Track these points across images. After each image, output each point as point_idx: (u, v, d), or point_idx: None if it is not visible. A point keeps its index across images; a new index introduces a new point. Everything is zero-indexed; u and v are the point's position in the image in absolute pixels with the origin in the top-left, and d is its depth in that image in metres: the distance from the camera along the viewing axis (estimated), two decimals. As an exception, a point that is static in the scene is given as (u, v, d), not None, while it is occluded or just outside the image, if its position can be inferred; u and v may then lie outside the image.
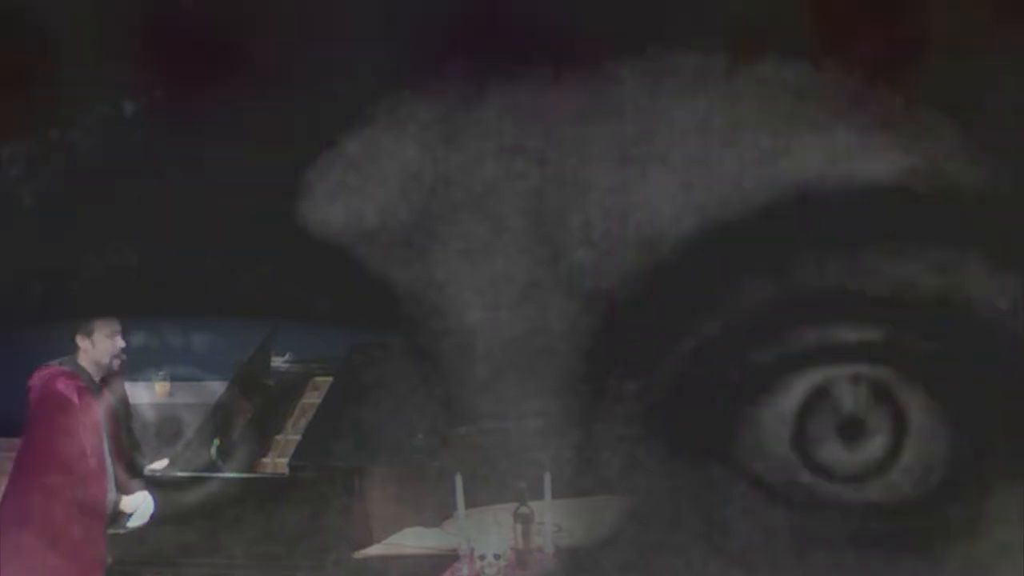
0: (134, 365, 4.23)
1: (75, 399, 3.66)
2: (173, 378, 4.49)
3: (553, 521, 3.09)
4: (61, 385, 3.69)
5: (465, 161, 1.72)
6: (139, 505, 3.78)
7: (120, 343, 3.70)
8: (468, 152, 1.71)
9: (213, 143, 1.74)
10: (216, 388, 4.22)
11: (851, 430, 1.89)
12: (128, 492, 3.81)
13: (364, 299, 1.83)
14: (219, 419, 4.02)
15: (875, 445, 1.88)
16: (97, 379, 3.68)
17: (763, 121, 1.71)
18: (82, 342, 3.66)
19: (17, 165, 1.75)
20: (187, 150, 1.75)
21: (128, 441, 3.84)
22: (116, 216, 1.80)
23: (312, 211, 1.75)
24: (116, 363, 3.72)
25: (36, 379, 3.70)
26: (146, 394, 4.45)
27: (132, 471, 3.79)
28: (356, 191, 1.73)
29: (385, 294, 1.79)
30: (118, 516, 3.79)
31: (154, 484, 3.77)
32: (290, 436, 4.02)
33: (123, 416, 3.84)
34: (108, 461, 3.70)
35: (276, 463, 3.94)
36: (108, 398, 3.72)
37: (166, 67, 1.71)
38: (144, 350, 4.27)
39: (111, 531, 3.76)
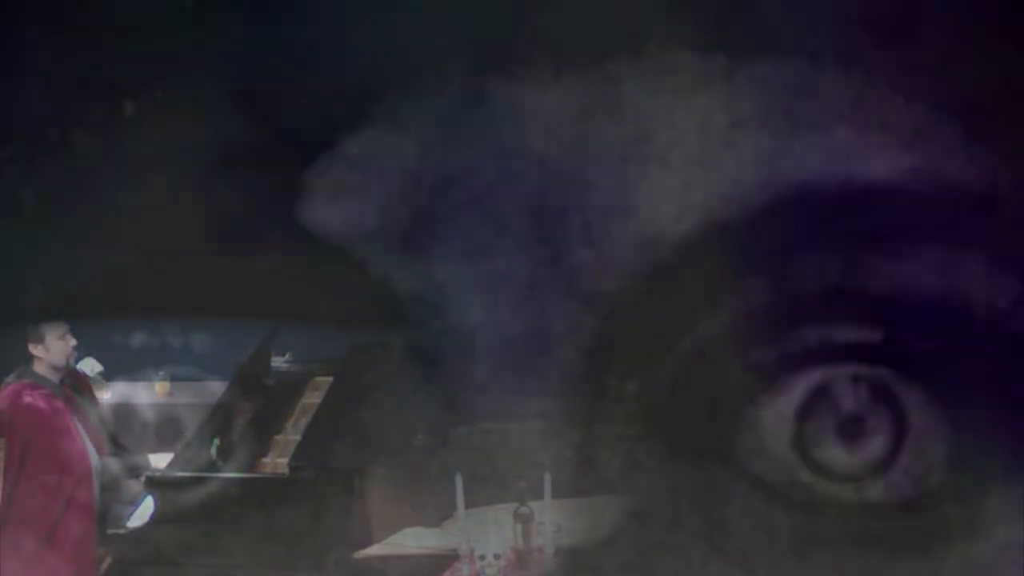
0: (134, 365, 4.24)
1: (45, 407, 3.70)
2: (173, 378, 4.49)
3: (553, 521, 3.09)
4: (28, 399, 3.72)
5: (465, 161, 1.72)
6: (143, 463, 3.81)
7: (72, 341, 3.73)
8: (468, 152, 1.71)
9: (212, 143, 1.74)
10: (216, 388, 4.22)
11: (851, 430, 1.89)
12: (120, 459, 3.84)
13: (364, 299, 1.83)
14: (219, 419, 4.01)
15: (875, 445, 1.88)
16: (57, 380, 3.71)
17: (763, 121, 1.71)
18: (35, 349, 3.68)
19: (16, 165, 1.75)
20: (186, 149, 1.75)
21: (102, 427, 3.87)
22: (116, 218, 1.80)
23: (312, 211, 1.75)
24: (71, 361, 3.75)
25: (0, 399, 3.73)
26: (146, 394, 4.46)
27: (116, 454, 3.82)
28: (356, 191, 1.73)
29: (385, 294, 1.79)
30: (133, 470, 3.81)
31: (154, 484, 3.77)
32: (290, 436, 4.01)
33: (90, 405, 3.87)
34: (93, 456, 3.72)
35: (276, 463, 3.94)
36: (72, 396, 3.75)
37: (166, 67, 1.71)
38: (144, 350, 4.27)
39: (111, 531, 3.77)
